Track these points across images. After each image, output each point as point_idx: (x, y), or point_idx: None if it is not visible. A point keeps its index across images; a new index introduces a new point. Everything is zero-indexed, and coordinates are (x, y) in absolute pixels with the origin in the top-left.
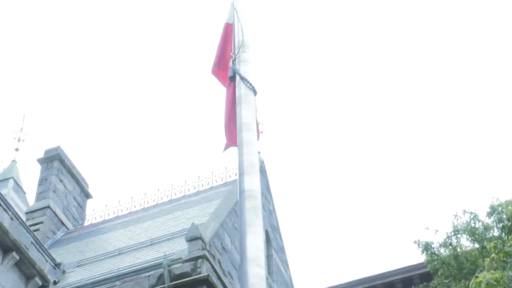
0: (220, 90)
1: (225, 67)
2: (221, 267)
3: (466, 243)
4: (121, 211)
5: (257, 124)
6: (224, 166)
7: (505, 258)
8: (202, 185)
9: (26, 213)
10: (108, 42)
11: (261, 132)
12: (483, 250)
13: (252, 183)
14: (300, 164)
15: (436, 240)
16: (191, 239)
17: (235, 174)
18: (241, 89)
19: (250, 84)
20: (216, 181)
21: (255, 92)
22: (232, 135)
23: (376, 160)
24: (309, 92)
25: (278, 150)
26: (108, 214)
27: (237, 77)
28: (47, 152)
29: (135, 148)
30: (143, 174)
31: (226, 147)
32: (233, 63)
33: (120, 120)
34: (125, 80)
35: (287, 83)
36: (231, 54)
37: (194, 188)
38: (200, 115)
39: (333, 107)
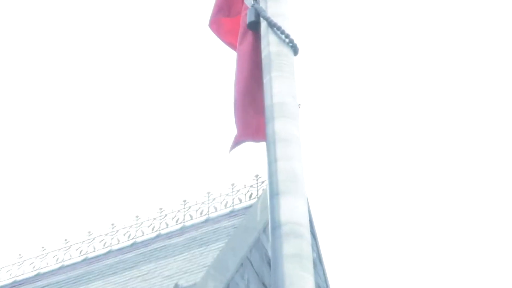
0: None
1: (237, 11)
2: None
3: None
4: (38, 267)
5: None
6: (230, 183)
7: None
8: (191, 217)
9: None
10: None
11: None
12: None
13: (295, 210)
14: (351, 171)
15: None
16: None
17: (250, 196)
18: (270, 44)
19: (287, 36)
20: (215, 208)
21: (295, 50)
22: (250, 122)
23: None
24: (357, 63)
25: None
26: (11, 274)
27: (263, 24)
28: None
29: (64, 158)
30: (81, 200)
31: (237, 142)
32: (254, 0)
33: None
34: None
35: (330, 44)
36: None
37: (177, 221)
38: (181, 103)
39: (392, 86)
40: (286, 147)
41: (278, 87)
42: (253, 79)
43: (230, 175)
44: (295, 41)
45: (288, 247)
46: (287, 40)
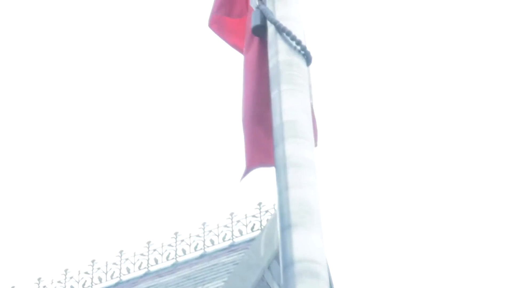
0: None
1: (241, 11)
2: None
3: None
4: None
5: (315, 123)
6: (229, 212)
7: None
8: (184, 252)
9: None
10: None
11: (316, 146)
12: None
13: (310, 245)
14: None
15: None
16: None
17: (252, 227)
18: (278, 52)
19: (299, 43)
20: (212, 242)
21: (308, 59)
22: (260, 145)
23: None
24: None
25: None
26: None
27: (271, 29)
28: None
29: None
30: (57, 232)
31: (247, 169)
32: (259, 0)
33: None
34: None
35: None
36: None
37: (168, 257)
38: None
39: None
40: (299, 172)
41: (288, 103)
42: (261, 94)
43: (229, 203)
44: (308, 49)
45: None
46: (298, 47)
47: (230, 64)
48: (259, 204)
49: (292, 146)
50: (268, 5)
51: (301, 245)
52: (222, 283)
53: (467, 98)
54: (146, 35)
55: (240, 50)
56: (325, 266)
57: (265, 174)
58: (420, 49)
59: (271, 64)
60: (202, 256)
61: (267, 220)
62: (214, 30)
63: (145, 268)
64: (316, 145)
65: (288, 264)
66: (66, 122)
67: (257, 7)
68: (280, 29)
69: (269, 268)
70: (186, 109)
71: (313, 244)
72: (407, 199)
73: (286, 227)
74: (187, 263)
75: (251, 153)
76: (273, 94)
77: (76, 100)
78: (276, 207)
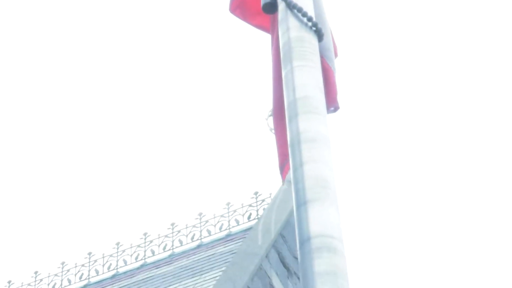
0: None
1: None
2: None
3: None
4: None
5: (335, 96)
6: (225, 202)
7: None
8: (181, 242)
9: None
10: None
11: (338, 109)
12: None
13: (326, 220)
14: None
15: None
16: None
17: (248, 216)
18: (289, 29)
19: (310, 19)
20: (208, 232)
21: (319, 35)
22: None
23: None
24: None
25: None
26: None
27: (281, 6)
28: None
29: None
30: (54, 225)
31: (283, 163)
32: None
33: None
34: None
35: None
36: None
37: (164, 248)
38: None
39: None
40: (313, 148)
41: (301, 79)
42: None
43: (225, 193)
44: (319, 25)
45: (320, 264)
46: (309, 23)
47: (234, 58)
48: (255, 193)
49: (306, 122)
50: None
51: (317, 220)
52: (220, 273)
53: (479, 97)
54: (149, 34)
55: (266, 30)
56: (342, 241)
57: (261, 164)
58: (422, 48)
59: (282, 41)
60: (199, 246)
61: (264, 209)
62: (237, 15)
63: (142, 259)
64: (339, 107)
65: (305, 240)
66: (58, 117)
67: None
68: (291, 6)
69: (266, 256)
70: (182, 102)
71: (329, 219)
72: (425, 172)
73: (301, 203)
74: (184, 253)
75: (281, 149)
76: (285, 71)
77: (74, 98)
78: (273, 195)
